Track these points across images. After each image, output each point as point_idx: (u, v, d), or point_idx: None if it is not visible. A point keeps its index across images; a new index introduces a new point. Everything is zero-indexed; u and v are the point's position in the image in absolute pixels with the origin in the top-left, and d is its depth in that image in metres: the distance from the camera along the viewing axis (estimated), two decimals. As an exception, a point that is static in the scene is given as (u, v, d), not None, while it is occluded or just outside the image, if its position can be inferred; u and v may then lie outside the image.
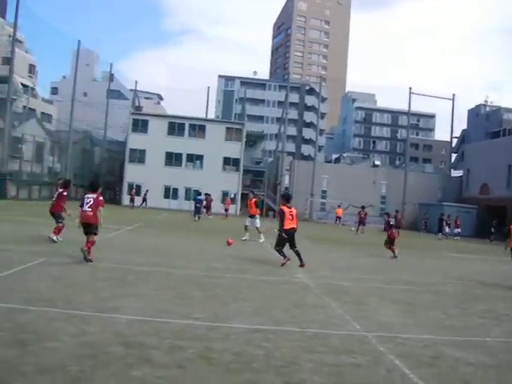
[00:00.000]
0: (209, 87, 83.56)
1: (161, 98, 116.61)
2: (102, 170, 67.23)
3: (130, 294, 9.66)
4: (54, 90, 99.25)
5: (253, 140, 76.62)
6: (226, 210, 49.53)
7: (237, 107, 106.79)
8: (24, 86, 73.91)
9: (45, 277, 10.71)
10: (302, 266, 15.46)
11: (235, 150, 66.06)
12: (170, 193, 64.79)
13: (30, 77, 79.66)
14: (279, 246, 15.92)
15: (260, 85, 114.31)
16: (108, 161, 70.94)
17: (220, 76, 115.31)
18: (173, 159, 65.28)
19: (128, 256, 15.03)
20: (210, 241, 23.10)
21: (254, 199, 25.03)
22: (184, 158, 65.70)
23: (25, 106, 69.77)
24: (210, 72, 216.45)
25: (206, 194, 48.45)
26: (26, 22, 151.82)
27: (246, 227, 24.14)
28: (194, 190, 63.54)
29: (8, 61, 55.99)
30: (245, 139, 67.74)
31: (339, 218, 56.90)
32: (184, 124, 66.12)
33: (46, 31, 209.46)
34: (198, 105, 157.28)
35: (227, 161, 66.33)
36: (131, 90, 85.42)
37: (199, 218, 40.24)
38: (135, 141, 64.70)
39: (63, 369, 5.53)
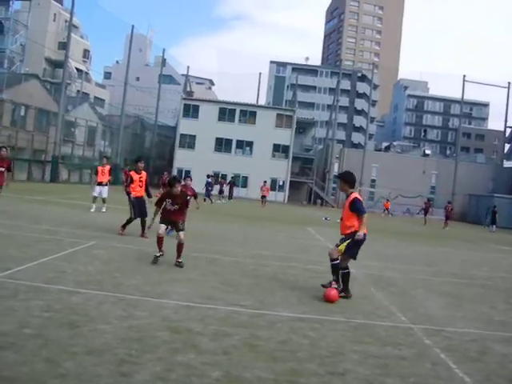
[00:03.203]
0: (260, 73, 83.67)
1: (212, 84, 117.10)
2: (152, 155, 67.91)
3: (177, 280, 9.80)
4: (107, 75, 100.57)
5: (303, 127, 76.22)
6: (264, 196, 47.23)
7: (288, 93, 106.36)
8: (78, 70, 75.28)
9: (94, 260, 10.94)
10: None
11: (285, 136, 65.86)
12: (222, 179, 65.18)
13: (85, 62, 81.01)
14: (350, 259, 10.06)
15: (312, 71, 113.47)
16: (158, 146, 71.61)
17: (272, 62, 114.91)
18: (222, 145, 65.50)
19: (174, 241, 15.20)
20: (253, 227, 23.18)
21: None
22: (234, 144, 65.82)
23: (78, 91, 71.05)
24: (261, 58, 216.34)
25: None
26: (82, 7, 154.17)
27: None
28: (243, 177, 63.82)
29: (64, 46, 56.97)
30: (295, 126, 67.45)
31: (387, 209, 56.90)
32: (235, 110, 66.18)
33: (100, 16, 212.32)
34: (248, 90, 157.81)
35: (277, 147, 66.19)
36: (183, 75, 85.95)
37: (211, 201, 39.88)
38: (186, 126, 65.08)
39: (111, 351, 5.67)
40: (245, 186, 63.84)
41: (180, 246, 11.33)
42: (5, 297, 7.32)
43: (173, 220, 11.69)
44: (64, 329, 6.23)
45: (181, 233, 11.43)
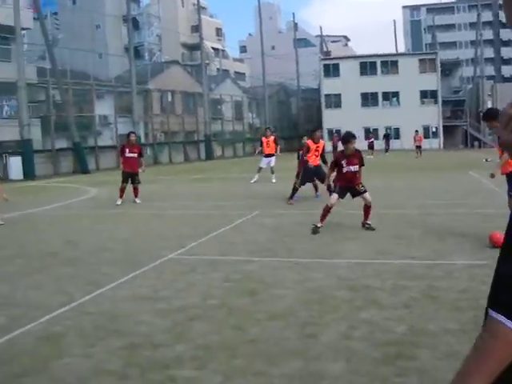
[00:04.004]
0: (394, 20, 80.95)
1: (348, 39, 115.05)
2: (300, 120, 68.11)
3: (347, 238, 9.78)
4: (243, 49, 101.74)
5: (448, 69, 72.93)
6: (418, 146, 44.52)
7: (426, 37, 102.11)
8: (214, 49, 76.76)
9: (262, 228, 11.17)
10: None
11: (431, 81, 63.40)
12: (369, 134, 64.20)
13: (219, 40, 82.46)
14: None
15: (447, 9, 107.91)
16: (304, 109, 71.58)
17: (404, 7, 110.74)
18: (368, 99, 64.30)
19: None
20: (412, 177, 22.60)
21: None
22: (380, 96, 64.35)
23: (218, 69, 72.55)
24: (392, 4, 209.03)
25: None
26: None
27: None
28: (394, 129, 62.41)
29: (196, 29, 58.33)
30: (440, 69, 64.74)
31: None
32: (375, 62, 64.61)
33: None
34: (385, 40, 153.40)
35: (424, 94, 63.92)
36: (317, 36, 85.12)
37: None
38: (329, 86, 64.53)
39: (293, 314, 5.76)
40: (397, 137, 62.39)
41: (368, 208, 10.62)
42: (185, 272, 7.67)
43: (350, 185, 10.66)
44: (245, 297, 6.41)
45: (366, 194, 10.61)
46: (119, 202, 15.96)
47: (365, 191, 10.63)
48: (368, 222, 10.64)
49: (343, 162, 10.60)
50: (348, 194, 10.92)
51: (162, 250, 9.14)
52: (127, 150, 16.41)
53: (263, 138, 22.72)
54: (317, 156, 15.61)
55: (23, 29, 34.46)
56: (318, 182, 15.49)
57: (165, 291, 6.77)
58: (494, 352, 1.31)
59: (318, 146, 15.65)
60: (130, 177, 16.24)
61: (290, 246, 9.27)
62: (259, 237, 10.18)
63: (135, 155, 16.52)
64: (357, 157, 10.72)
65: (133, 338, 5.22)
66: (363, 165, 10.82)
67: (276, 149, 22.13)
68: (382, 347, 4.80)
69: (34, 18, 38.91)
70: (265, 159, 22.15)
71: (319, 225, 10.54)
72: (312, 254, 8.48)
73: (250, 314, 5.81)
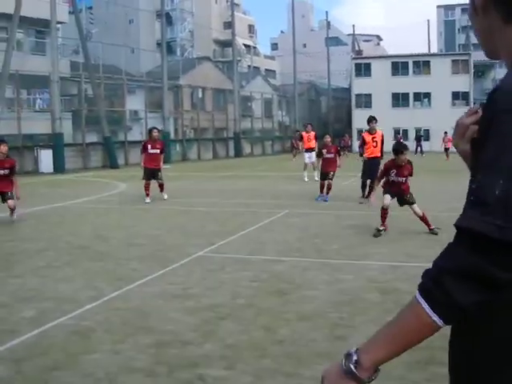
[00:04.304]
0: (428, 20, 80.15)
1: (380, 39, 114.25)
2: (330, 119, 67.85)
3: (377, 240, 9.69)
4: (274, 46, 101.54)
5: (481, 70, 72.03)
6: (447, 148, 43.51)
7: (460, 37, 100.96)
8: (246, 46, 76.76)
9: (291, 228, 11.14)
10: None
11: (463, 83, 62.71)
12: (398, 135, 63.66)
13: (251, 37, 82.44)
14: None
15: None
16: (334, 109, 71.26)
17: (438, 6, 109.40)
18: (399, 100, 63.76)
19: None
20: (444, 181, 22.34)
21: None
22: (411, 97, 63.76)
23: (249, 66, 72.53)
24: (426, 3, 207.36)
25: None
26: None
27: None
28: (424, 130, 61.86)
29: (229, 25, 58.42)
30: (472, 70, 64.02)
31: None
32: (407, 62, 64.06)
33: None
34: (418, 40, 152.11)
35: (456, 95, 63.24)
36: (349, 35, 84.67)
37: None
38: (360, 85, 64.16)
39: (323, 316, 5.72)
40: (427, 139, 61.83)
41: (421, 219, 10.41)
42: (214, 270, 7.67)
43: (397, 193, 10.54)
44: (274, 297, 6.38)
45: (414, 206, 10.38)
46: (148, 200, 15.69)
47: (413, 202, 10.38)
48: (432, 227, 10.34)
49: (392, 172, 10.40)
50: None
51: (190, 248, 9.15)
52: (149, 146, 16.16)
53: (304, 133, 23.31)
54: (375, 147, 15.27)
55: (58, 23, 34.75)
56: (330, 182, 15.41)
57: (194, 289, 6.77)
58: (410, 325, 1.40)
59: (374, 137, 15.35)
60: (153, 173, 15.96)
61: (319, 246, 9.22)
62: (288, 236, 10.14)
63: (158, 151, 16.25)
64: (407, 169, 10.46)
65: (161, 336, 5.22)
66: (411, 175, 10.64)
67: (315, 145, 22.07)
68: (413, 352, 4.68)
69: (69, 12, 39.28)
70: (306, 154, 22.37)
71: (381, 228, 10.33)
72: (341, 256, 8.42)
73: (279, 314, 5.78)
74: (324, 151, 15.94)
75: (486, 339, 1.41)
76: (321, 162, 16.14)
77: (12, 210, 12.00)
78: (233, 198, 16.42)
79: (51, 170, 31.21)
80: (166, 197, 16.20)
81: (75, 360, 4.74)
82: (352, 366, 1.42)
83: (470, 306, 1.29)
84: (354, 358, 1.44)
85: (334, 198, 15.42)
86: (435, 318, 1.32)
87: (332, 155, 15.77)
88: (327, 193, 15.32)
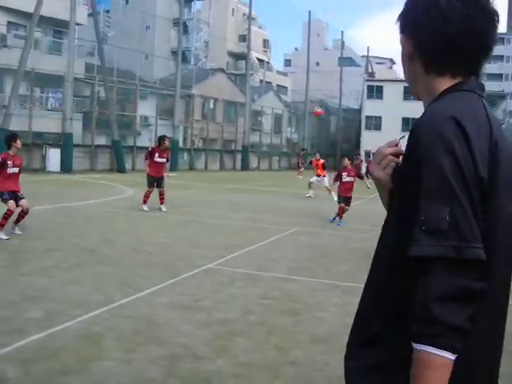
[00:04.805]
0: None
1: (393, 62, 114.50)
2: (339, 139, 67.91)
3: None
4: (287, 62, 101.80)
5: (492, 101, 72.19)
6: None
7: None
8: (259, 60, 76.96)
9: (300, 246, 11.08)
10: None
11: (474, 112, 62.85)
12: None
13: (265, 51, 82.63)
14: None
15: (498, 39, 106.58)
16: (344, 129, 71.39)
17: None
18: (409, 124, 63.73)
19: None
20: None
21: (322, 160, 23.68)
22: (420, 123, 63.92)
23: (261, 80, 72.69)
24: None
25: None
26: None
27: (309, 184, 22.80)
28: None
29: (244, 38, 58.66)
30: (484, 100, 64.16)
31: None
32: (419, 88, 64.24)
33: (276, 5, 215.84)
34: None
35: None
36: (363, 57, 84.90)
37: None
38: (371, 107, 64.24)
39: (335, 339, 5.63)
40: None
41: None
42: (224, 284, 7.61)
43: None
44: (286, 316, 6.31)
45: None
46: (146, 208, 15.42)
47: None
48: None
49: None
50: None
51: (199, 259, 9.09)
52: (157, 155, 15.83)
53: (314, 160, 24.38)
54: None
55: (77, 24, 34.87)
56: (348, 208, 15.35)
57: (204, 301, 6.71)
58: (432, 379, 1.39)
59: None
60: (157, 181, 15.71)
61: (329, 266, 9.15)
62: (297, 255, 10.08)
63: (164, 160, 16.06)
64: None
65: (173, 348, 5.15)
66: None
67: (323, 172, 22.88)
68: None
69: (88, 15, 39.46)
70: (315, 177, 23.02)
71: None
72: (351, 278, 8.34)
73: (292, 334, 5.71)
74: (344, 174, 15.20)
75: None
76: (339, 186, 15.37)
77: (25, 213, 10.76)
78: (240, 212, 16.36)
79: (58, 169, 31.23)
80: (164, 209, 15.62)
81: (86, 366, 4.68)
82: None
83: (465, 323, 1.36)
84: None
85: (348, 218, 15.38)
86: (445, 353, 1.35)
87: (352, 178, 15.24)
88: (341, 216, 15.11)
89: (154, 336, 5.44)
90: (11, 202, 10.25)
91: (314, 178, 22.90)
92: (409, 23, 1.69)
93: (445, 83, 1.66)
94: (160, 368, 4.71)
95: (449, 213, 1.38)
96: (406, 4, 1.71)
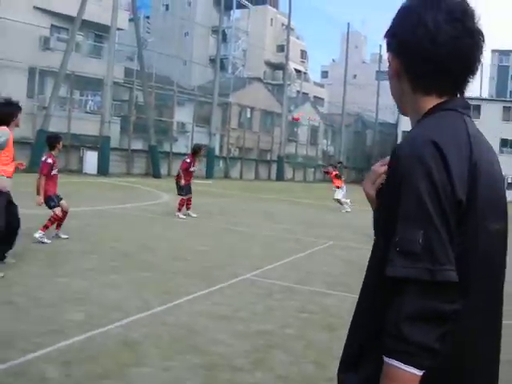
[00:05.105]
0: (482, 63, 79.53)
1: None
2: (374, 153, 67.56)
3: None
4: (324, 74, 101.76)
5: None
6: None
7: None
8: (297, 71, 77.01)
9: (336, 260, 11.03)
10: None
11: (514, 130, 62.07)
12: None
13: (302, 62, 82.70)
14: None
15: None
16: (380, 143, 71.04)
17: (493, 50, 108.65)
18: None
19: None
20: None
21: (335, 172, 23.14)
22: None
23: (298, 91, 72.75)
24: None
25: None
26: (297, 9, 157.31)
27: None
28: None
29: (282, 48, 58.82)
30: (523, 119, 63.32)
31: None
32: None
33: (314, 16, 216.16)
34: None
35: (504, 142, 62.41)
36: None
37: None
38: (407, 123, 62.71)
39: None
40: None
41: None
42: (262, 295, 7.58)
43: None
44: (324, 331, 6.26)
45: None
46: (184, 216, 15.58)
47: None
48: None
49: None
50: None
51: (237, 268, 9.09)
52: (192, 164, 15.99)
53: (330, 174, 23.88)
54: None
55: (118, 29, 35.35)
56: None
57: (242, 312, 6.69)
58: None
59: None
60: (189, 189, 15.85)
61: (366, 282, 9.08)
62: (333, 269, 10.02)
63: (196, 169, 16.53)
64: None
65: (211, 357, 5.14)
66: None
67: (339, 183, 22.43)
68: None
69: (129, 20, 39.94)
70: (336, 190, 22.53)
71: None
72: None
73: (330, 350, 5.64)
74: None
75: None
76: None
77: (65, 214, 10.57)
78: (276, 223, 16.35)
79: (95, 171, 31.61)
80: (194, 215, 15.84)
81: (124, 371, 4.69)
82: None
83: (435, 344, 1.40)
84: None
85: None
86: (412, 369, 1.40)
87: None
88: None
89: (191, 344, 5.44)
90: (59, 209, 10.29)
91: (336, 194, 22.34)
92: (396, 42, 1.69)
93: (431, 102, 1.66)
94: (198, 377, 4.70)
95: (422, 236, 1.41)
96: (393, 22, 1.71)
